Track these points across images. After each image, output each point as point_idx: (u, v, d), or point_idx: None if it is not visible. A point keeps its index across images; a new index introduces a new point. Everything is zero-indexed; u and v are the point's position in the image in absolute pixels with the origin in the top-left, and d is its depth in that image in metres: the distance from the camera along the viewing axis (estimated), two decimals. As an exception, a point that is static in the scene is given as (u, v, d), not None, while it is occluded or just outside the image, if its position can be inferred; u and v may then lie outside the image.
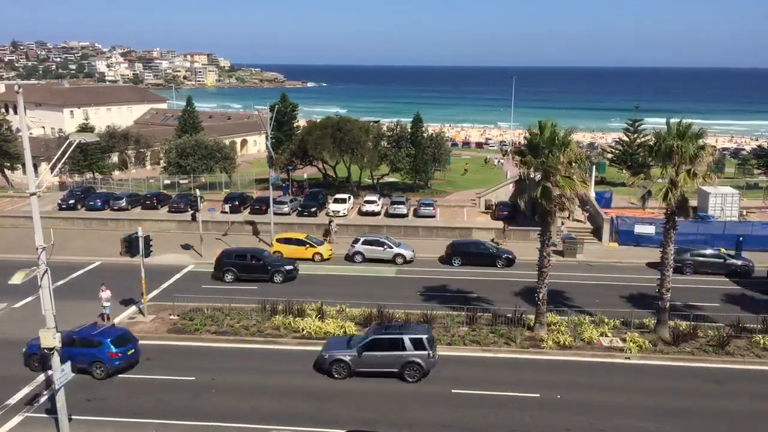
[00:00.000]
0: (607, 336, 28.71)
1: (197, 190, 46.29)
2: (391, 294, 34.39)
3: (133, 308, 32.89)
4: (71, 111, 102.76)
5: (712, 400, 23.92)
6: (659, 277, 29.00)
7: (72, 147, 21.20)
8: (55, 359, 19.66)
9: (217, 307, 31.36)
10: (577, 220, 48.62)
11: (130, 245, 31.88)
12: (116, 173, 76.10)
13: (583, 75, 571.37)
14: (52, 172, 22.04)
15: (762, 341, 27.84)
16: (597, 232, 47.17)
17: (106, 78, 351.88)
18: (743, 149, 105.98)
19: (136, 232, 31.50)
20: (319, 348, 27.68)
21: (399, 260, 41.46)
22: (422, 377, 24.92)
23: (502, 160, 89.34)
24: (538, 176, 27.81)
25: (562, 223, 45.84)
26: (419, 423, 22.18)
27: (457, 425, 22.05)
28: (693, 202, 31.83)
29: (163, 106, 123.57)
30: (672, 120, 27.88)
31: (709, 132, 30.93)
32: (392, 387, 24.71)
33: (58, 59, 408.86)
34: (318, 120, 66.74)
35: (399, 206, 52.49)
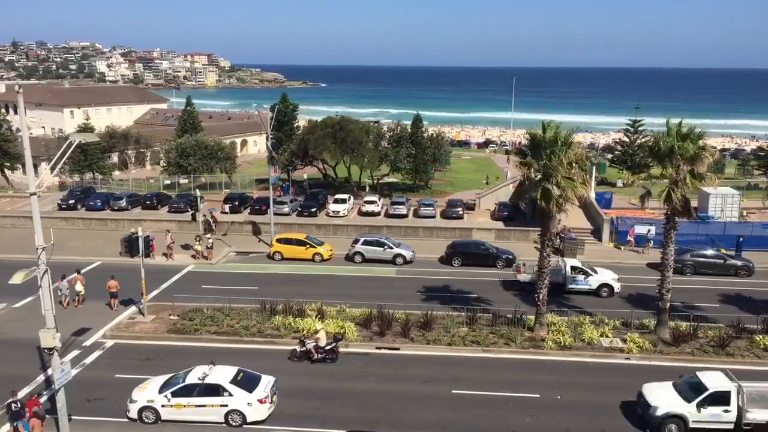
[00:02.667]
0: (607, 336, 28.69)
1: (197, 190, 46.30)
2: (391, 294, 34.37)
3: (133, 308, 32.87)
4: (71, 111, 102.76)
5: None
6: (659, 277, 29.00)
7: (72, 147, 21.18)
8: (55, 359, 19.65)
9: (217, 308, 31.33)
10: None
11: (130, 245, 31.85)
12: (116, 173, 76.13)
13: (583, 75, 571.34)
14: (52, 173, 22.00)
15: (762, 342, 27.81)
16: (597, 233, 47.16)
17: (107, 78, 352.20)
18: (743, 150, 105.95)
19: (136, 232, 31.48)
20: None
21: (399, 260, 41.43)
22: None
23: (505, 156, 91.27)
24: (539, 177, 27.76)
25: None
26: (419, 423, 22.17)
27: (457, 425, 22.04)
28: (693, 203, 31.80)
29: (164, 106, 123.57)
30: (672, 120, 27.82)
31: (709, 132, 30.86)
32: (392, 387, 24.72)
33: (59, 59, 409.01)
34: (318, 120, 66.80)
35: (399, 206, 52.51)
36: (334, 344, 27.05)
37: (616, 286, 35.31)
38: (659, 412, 21.62)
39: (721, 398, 21.47)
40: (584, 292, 35.11)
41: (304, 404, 23.36)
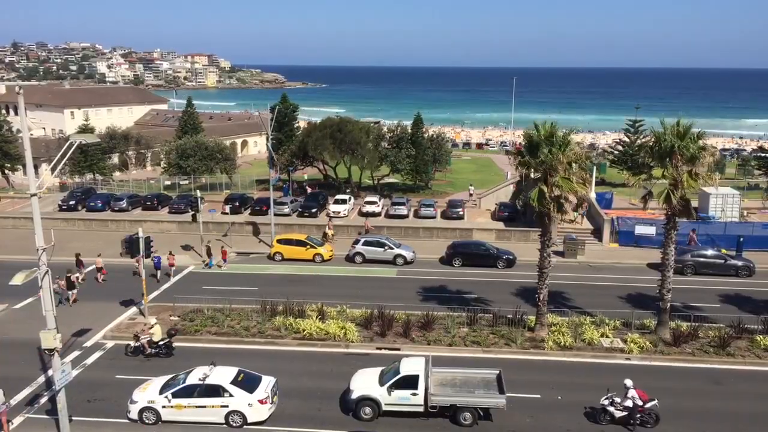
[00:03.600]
0: (607, 337, 28.68)
1: (198, 191, 46.30)
2: (391, 295, 34.40)
3: (133, 309, 32.88)
4: (72, 112, 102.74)
5: (713, 401, 23.92)
6: (660, 277, 28.98)
7: (72, 148, 21.21)
8: (56, 360, 19.66)
9: (218, 308, 31.34)
10: (571, 221, 46.72)
11: (130, 246, 31.86)
12: (117, 174, 76.12)
13: (583, 75, 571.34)
14: (52, 173, 22.12)
15: (762, 342, 27.81)
16: (597, 233, 47.13)
17: (107, 79, 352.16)
18: (744, 150, 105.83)
19: (137, 233, 31.48)
20: (320, 348, 27.68)
21: (399, 261, 41.44)
22: None
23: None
24: (537, 177, 27.73)
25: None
26: (419, 424, 22.17)
27: (457, 426, 22.03)
28: (694, 203, 31.83)
29: (164, 107, 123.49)
30: (670, 120, 27.68)
31: (709, 133, 30.84)
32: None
33: (59, 60, 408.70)
34: (318, 121, 66.74)
35: (399, 207, 52.50)
36: (168, 340, 27.59)
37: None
38: (354, 395, 22.41)
39: (410, 382, 22.20)
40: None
41: (305, 404, 23.37)
